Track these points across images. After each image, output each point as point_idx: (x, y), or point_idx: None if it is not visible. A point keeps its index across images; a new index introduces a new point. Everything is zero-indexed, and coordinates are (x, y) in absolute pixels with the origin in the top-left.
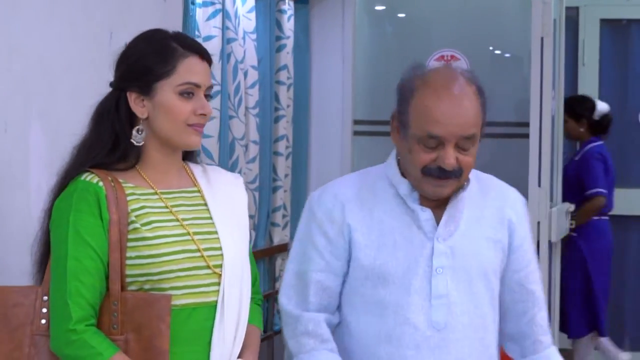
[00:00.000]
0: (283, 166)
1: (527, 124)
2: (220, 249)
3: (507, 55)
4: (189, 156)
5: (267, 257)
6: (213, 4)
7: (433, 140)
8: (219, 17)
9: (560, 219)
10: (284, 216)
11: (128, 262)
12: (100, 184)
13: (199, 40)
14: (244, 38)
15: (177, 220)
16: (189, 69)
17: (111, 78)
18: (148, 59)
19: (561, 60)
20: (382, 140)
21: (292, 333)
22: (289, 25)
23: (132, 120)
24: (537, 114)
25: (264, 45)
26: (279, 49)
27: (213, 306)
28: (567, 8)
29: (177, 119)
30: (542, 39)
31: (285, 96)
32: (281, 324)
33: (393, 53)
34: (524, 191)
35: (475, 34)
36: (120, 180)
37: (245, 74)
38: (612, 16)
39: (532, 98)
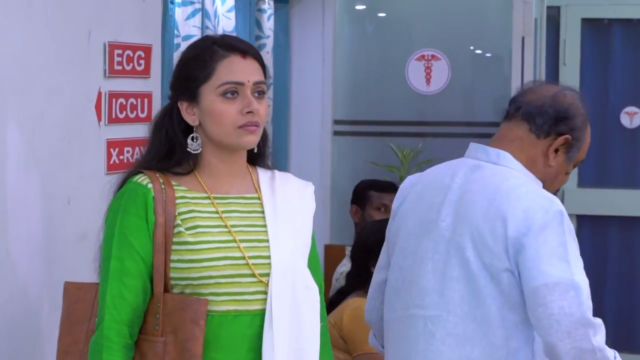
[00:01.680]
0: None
1: None
2: (268, 257)
3: (488, 55)
4: (259, 160)
5: None
6: (192, 3)
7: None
8: (198, 17)
9: None
10: None
11: (171, 265)
12: (150, 185)
13: (178, 40)
14: None
15: (226, 226)
16: (228, 69)
17: (89, 77)
18: (189, 66)
19: (542, 59)
20: (362, 141)
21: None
22: (268, 24)
23: (188, 128)
24: None
25: None
26: (259, 48)
27: (258, 314)
28: (549, 7)
29: (224, 121)
30: (523, 38)
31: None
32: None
33: (374, 52)
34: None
35: (456, 34)
36: (174, 183)
37: None
38: (593, 15)
39: None
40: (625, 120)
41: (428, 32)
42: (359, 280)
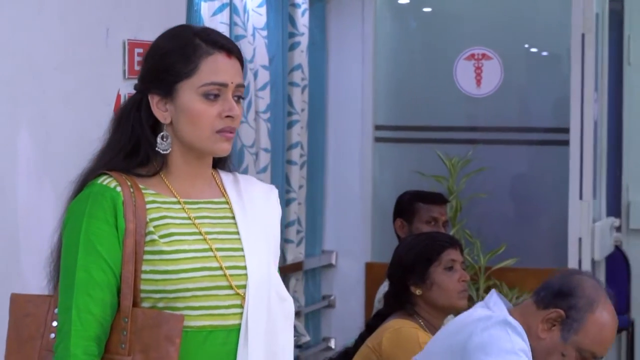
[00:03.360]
0: (297, 176)
1: (566, 130)
2: (244, 267)
3: (545, 53)
4: (219, 163)
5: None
6: None
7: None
8: (226, 12)
9: (604, 235)
10: (298, 232)
11: (143, 276)
12: (118, 188)
13: None
14: (253, 35)
15: (200, 233)
16: (213, 68)
17: (107, 79)
18: (168, 58)
19: (604, 58)
20: (406, 148)
21: None
22: (303, 20)
23: (155, 124)
24: (578, 118)
25: (276, 42)
26: (293, 47)
27: (233, 330)
28: (611, 1)
29: (201, 124)
30: (583, 35)
31: (300, 99)
32: None
33: (418, 51)
34: (563, 204)
35: (509, 30)
36: (141, 187)
37: (255, 75)
38: None
39: (572, 101)
40: None
41: (478, 28)
42: (397, 301)
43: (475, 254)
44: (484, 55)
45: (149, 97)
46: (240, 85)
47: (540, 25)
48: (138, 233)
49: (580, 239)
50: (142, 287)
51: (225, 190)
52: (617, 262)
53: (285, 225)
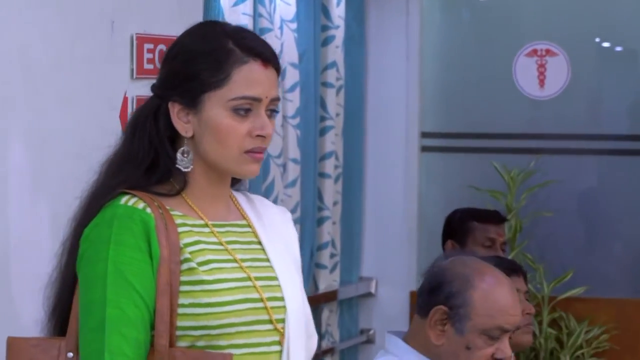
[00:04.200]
0: (331, 191)
1: None
2: (282, 299)
3: (619, 48)
4: (234, 182)
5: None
6: None
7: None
8: (249, 2)
9: None
10: (332, 255)
11: (180, 310)
12: (148, 210)
13: None
14: (281, 28)
15: (235, 260)
16: (246, 79)
17: (113, 79)
18: (196, 63)
19: None
20: (457, 159)
21: None
22: (338, 11)
23: (174, 135)
24: None
25: (307, 37)
26: (326, 42)
27: None
28: None
29: (228, 142)
30: None
31: (334, 102)
32: None
33: (471, 47)
34: None
35: (577, 22)
36: (167, 207)
37: (283, 74)
38: None
39: None
40: None
41: (541, 20)
42: None
43: (537, 282)
44: (548, 51)
45: (169, 105)
46: (275, 99)
47: (614, 16)
48: (172, 261)
49: None
50: (179, 322)
51: (244, 212)
52: None
53: (317, 247)
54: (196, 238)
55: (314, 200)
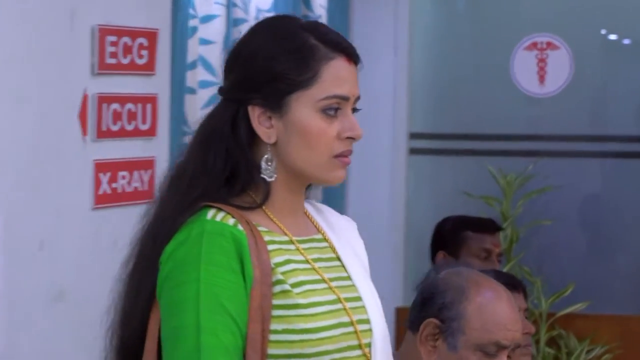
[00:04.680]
0: (311, 196)
1: None
2: (368, 321)
3: (627, 42)
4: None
5: None
6: None
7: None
8: None
9: None
10: None
11: (272, 337)
12: (240, 227)
13: (194, 22)
14: (257, 18)
15: (324, 280)
16: (335, 76)
17: (71, 74)
18: (279, 62)
19: None
20: (449, 162)
21: None
22: (320, 0)
23: (251, 142)
24: None
25: None
26: None
27: None
28: None
29: (319, 146)
30: None
31: None
32: None
33: (465, 39)
34: None
35: (580, 13)
36: (254, 223)
37: None
38: None
39: None
40: None
41: (542, 10)
42: None
43: (535, 297)
44: (549, 44)
45: (249, 110)
46: (358, 98)
47: (622, 5)
48: (264, 283)
49: None
50: (270, 350)
51: (318, 225)
52: None
53: None
54: (286, 257)
55: None
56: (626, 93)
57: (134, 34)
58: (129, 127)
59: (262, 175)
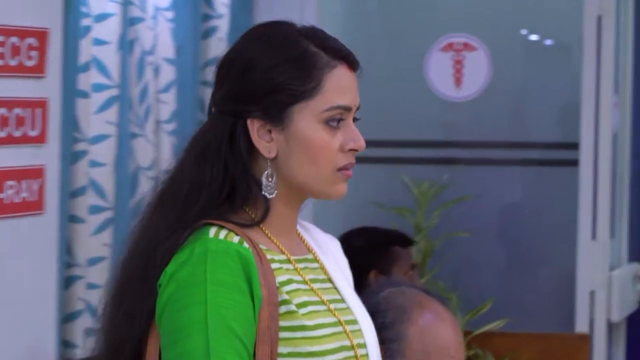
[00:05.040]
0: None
1: (575, 146)
2: (365, 345)
3: (548, 42)
4: None
5: None
6: None
7: None
8: None
9: (624, 287)
10: None
11: None
12: (245, 245)
13: (87, 21)
14: (155, 18)
15: (323, 302)
16: (338, 86)
17: None
18: (280, 71)
19: (628, 48)
20: (358, 170)
21: None
22: None
23: (251, 158)
24: (591, 130)
25: (185, 28)
26: (208, 34)
27: None
28: None
29: (322, 160)
30: (599, 17)
31: None
32: None
33: (377, 41)
34: (571, 245)
35: (499, 13)
36: (255, 241)
37: (157, 71)
38: None
39: (584, 106)
40: None
41: (458, 9)
42: None
43: None
44: (466, 45)
45: (248, 123)
46: (358, 107)
47: (542, 5)
48: (271, 303)
49: (592, 293)
50: None
51: (308, 244)
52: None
53: None
54: (288, 276)
55: None
56: (547, 97)
57: (22, 33)
58: (17, 134)
59: (263, 192)
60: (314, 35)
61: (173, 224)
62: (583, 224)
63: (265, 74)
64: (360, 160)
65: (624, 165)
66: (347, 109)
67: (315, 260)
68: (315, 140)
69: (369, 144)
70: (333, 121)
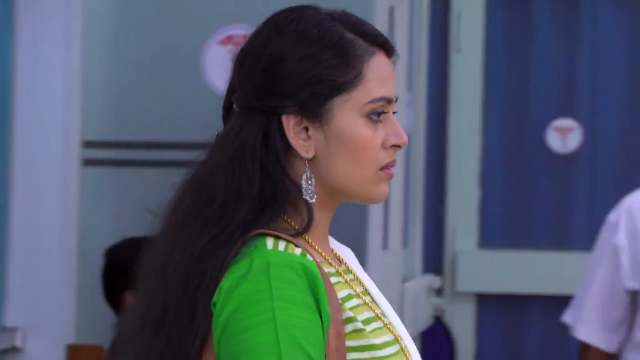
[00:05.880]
0: None
1: None
2: None
3: None
4: None
5: None
6: None
7: None
8: None
9: (418, 301)
10: None
11: None
12: (309, 257)
13: None
14: None
15: (379, 317)
16: (379, 76)
17: None
18: (317, 61)
19: (423, 44)
20: (129, 174)
21: None
22: None
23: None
24: None
25: None
26: None
27: None
28: None
29: (366, 158)
30: (391, 9)
31: None
32: None
33: (150, 33)
34: (359, 256)
35: (288, 3)
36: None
37: None
38: None
39: None
40: (554, 140)
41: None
42: None
43: None
44: (246, 37)
45: (284, 120)
46: (397, 99)
47: None
48: (338, 321)
49: None
50: None
51: (337, 254)
52: (437, 341)
53: None
54: (348, 291)
55: None
56: None
57: None
58: None
59: (304, 197)
60: (348, 20)
61: (217, 237)
62: (373, 234)
63: (301, 64)
64: (133, 164)
65: (417, 169)
66: (390, 100)
67: (349, 271)
68: (359, 137)
69: (144, 146)
70: (375, 115)
